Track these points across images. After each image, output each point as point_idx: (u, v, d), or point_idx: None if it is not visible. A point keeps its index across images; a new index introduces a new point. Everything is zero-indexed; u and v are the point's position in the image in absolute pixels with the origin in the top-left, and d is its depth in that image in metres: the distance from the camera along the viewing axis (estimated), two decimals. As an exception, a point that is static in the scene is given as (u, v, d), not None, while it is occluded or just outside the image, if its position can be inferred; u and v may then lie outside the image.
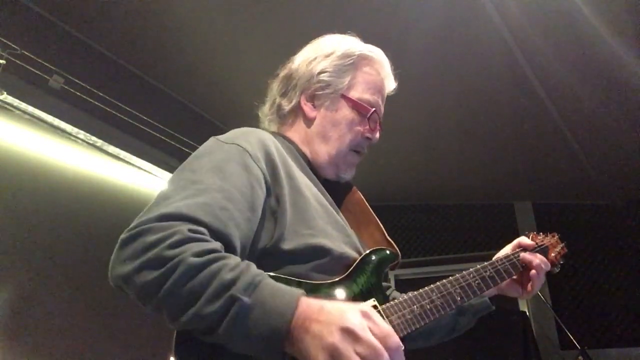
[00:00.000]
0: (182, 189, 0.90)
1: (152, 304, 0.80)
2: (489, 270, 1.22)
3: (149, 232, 0.81)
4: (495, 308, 1.37)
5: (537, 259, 1.30)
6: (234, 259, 0.83)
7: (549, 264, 1.33)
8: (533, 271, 1.29)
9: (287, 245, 0.96)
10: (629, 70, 2.47)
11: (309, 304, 0.79)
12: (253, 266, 0.85)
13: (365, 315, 0.79)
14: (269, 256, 0.90)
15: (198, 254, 0.79)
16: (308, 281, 0.95)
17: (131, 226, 0.84)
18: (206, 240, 0.83)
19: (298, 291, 0.81)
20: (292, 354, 0.78)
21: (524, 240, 1.36)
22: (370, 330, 0.77)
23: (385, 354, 0.75)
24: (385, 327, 0.80)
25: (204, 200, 0.87)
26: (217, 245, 0.84)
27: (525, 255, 1.30)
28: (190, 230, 0.82)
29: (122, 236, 0.83)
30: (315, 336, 0.75)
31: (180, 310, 0.78)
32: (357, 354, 0.74)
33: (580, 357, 3.08)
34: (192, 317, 0.77)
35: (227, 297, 0.77)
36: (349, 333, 0.75)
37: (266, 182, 1.00)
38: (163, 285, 0.78)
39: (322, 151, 1.20)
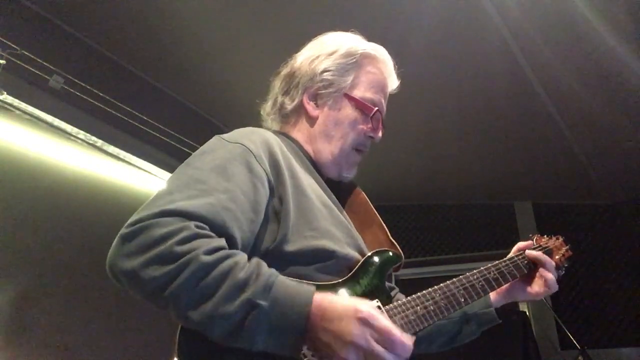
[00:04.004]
0: (185, 187, 0.89)
1: (158, 299, 0.79)
2: (493, 271, 1.21)
3: (155, 226, 0.80)
4: (501, 321, 1.34)
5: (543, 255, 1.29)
6: (242, 256, 0.84)
7: (553, 263, 1.31)
8: (542, 269, 1.28)
9: (290, 247, 0.96)
10: (629, 70, 2.47)
11: (322, 299, 0.82)
12: (263, 264, 0.86)
13: (364, 322, 0.80)
14: (272, 257, 0.89)
15: (209, 252, 0.80)
16: (311, 282, 0.94)
17: (132, 221, 0.83)
18: (213, 237, 0.84)
19: (311, 288, 0.84)
20: (310, 349, 0.84)
21: (521, 243, 1.35)
22: (373, 337, 0.80)
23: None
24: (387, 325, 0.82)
25: (207, 201, 0.87)
26: (223, 242, 0.85)
27: (531, 252, 1.30)
28: (197, 227, 0.82)
29: (124, 231, 0.82)
30: (337, 336, 0.79)
31: (190, 307, 0.78)
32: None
33: (580, 357, 3.08)
34: (206, 316, 0.77)
35: (244, 300, 0.78)
36: (358, 348, 0.79)
37: (269, 183, 0.99)
38: (173, 281, 0.77)
39: (325, 150, 1.19)
